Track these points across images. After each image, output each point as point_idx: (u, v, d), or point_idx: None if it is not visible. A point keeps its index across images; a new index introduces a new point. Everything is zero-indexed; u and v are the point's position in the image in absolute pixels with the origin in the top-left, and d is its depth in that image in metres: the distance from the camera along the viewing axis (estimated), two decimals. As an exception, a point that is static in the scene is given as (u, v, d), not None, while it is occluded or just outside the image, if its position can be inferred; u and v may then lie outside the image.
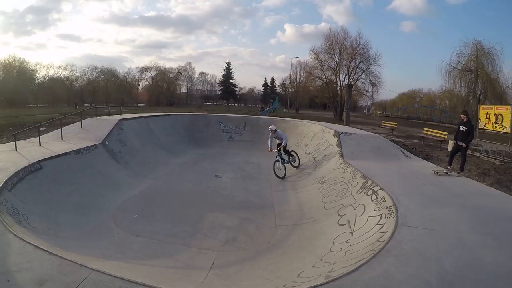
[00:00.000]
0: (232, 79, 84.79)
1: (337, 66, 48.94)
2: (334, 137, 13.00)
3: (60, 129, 12.53)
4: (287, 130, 16.79)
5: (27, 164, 7.82)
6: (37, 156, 8.69)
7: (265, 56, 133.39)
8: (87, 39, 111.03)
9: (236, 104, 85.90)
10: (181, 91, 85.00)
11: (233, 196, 9.52)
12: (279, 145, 11.68)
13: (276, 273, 5.12)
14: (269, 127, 11.87)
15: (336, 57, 48.94)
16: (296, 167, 12.20)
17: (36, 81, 66.04)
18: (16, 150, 9.62)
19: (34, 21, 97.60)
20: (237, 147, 17.25)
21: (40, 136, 11.10)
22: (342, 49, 48.36)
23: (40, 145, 10.64)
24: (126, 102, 69.86)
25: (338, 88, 49.58)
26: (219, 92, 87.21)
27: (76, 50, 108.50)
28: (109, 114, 17.40)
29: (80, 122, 13.84)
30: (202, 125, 19.00)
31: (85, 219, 7.19)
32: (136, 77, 77.99)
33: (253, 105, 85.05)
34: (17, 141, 10.00)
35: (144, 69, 77.45)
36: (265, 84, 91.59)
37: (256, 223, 7.61)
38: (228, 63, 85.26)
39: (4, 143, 12.40)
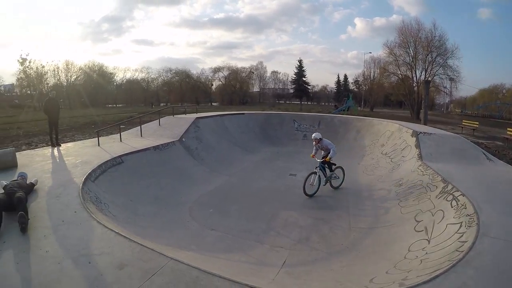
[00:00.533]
0: (304, 77, 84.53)
1: (412, 60, 45.89)
2: (412, 137, 12.31)
3: (139, 126, 13.97)
4: (362, 129, 16.38)
5: (110, 158, 8.90)
6: (118, 151, 9.82)
7: (336, 53, 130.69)
8: (160, 43, 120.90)
9: (308, 103, 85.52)
10: (254, 90, 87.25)
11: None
12: (324, 157, 9.98)
13: (348, 276, 5.06)
14: (313, 135, 10.28)
15: (411, 51, 45.93)
16: (335, 188, 10.31)
17: (115, 83, 75.17)
18: (98, 145, 11.08)
19: (109, 29, 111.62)
20: (311, 146, 17.09)
21: (121, 133, 12.45)
22: (417, 42, 45.24)
23: (120, 141, 12.00)
24: (200, 101, 73.84)
25: (414, 85, 46.61)
26: (291, 91, 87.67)
27: (150, 53, 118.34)
28: (185, 112, 18.74)
29: (158, 120, 15.23)
30: (276, 123, 19.30)
31: (162, 211, 7.85)
32: (209, 77, 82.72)
33: (326, 104, 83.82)
34: (99, 137, 11.41)
35: (216, 69, 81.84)
36: (337, 82, 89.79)
37: (329, 224, 7.60)
38: (300, 61, 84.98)
39: (88, 139, 13.90)
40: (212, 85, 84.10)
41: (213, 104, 77.17)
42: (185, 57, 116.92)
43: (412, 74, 46.85)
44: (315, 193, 9.48)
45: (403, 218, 7.20)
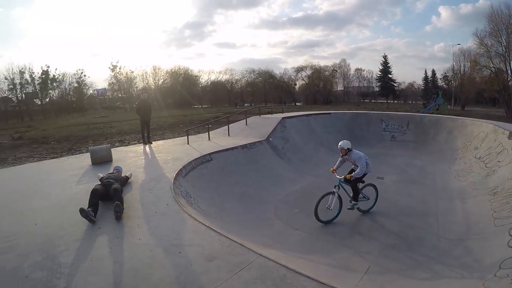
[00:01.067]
0: (390, 74, 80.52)
1: (506, 51, 40.82)
2: (509, 139, 11.07)
3: (226, 126, 14.88)
4: (454, 130, 15.24)
5: (199, 156, 9.75)
6: (207, 149, 10.67)
7: (422, 46, 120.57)
8: (242, 45, 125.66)
9: (395, 101, 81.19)
10: (338, 88, 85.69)
11: (395, 200, 9.31)
12: (351, 171, 8.14)
13: (433, 289, 4.77)
14: (339, 144, 8.32)
15: (503, 40, 40.85)
16: (364, 212, 8.35)
17: (200, 85, 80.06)
18: (188, 143, 12.16)
19: (192, 35, 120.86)
20: (399, 147, 16.44)
21: (209, 132, 13.43)
22: (509, 30, 40.07)
23: (209, 140, 12.98)
24: (284, 101, 74.89)
25: (508, 79, 41.41)
26: (377, 89, 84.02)
27: (233, 55, 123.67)
28: (271, 112, 19.08)
29: (245, 120, 15.97)
30: (363, 123, 18.80)
31: (249, 208, 8.27)
32: (292, 76, 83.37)
33: (414, 102, 78.57)
34: (188, 136, 12.46)
35: (299, 69, 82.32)
36: (425, 78, 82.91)
37: (417, 231, 7.29)
38: (384, 57, 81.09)
39: (177, 137, 15.04)
40: (295, 84, 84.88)
41: (297, 104, 77.76)
42: (267, 58, 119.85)
43: (506, 67, 41.95)
44: (333, 219, 7.73)
45: (496, 231, 6.59)
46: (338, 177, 7.86)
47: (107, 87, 72.53)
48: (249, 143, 11.72)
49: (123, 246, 4.76)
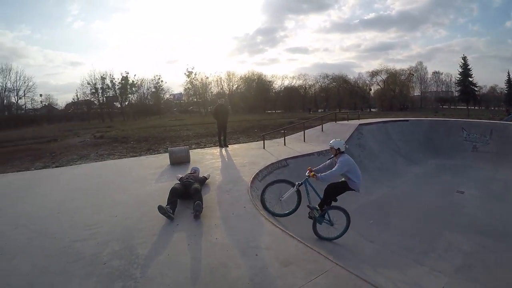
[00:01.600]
0: (471, 77, 73.56)
1: None
2: None
3: (301, 132, 14.96)
4: None
5: (275, 161, 9.84)
6: (283, 155, 10.74)
7: (504, 45, 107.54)
8: (314, 50, 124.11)
9: (475, 107, 74.59)
10: (414, 93, 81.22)
11: (475, 217, 8.83)
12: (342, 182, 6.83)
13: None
14: (330, 142, 7.31)
15: None
16: (325, 239, 6.51)
17: (273, 90, 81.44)
18: (264, 148, 12.30)
19: (264, 41, 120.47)
20: (481, 159, 15.13)
21: (285, 137, 13.54)
22: None
23: (284, 145, 13.05)
24: (359, 107, 73.06)
25: None
26: (456, 94, 77.37)
27: (305, 60, 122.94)
28: (347, 118, 18.58)
29: (321, 126, 15.83)
30: (442, 131, 17.57)
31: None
32: (367, 81, 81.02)
33: (496, 108, 71.53)
34: (264, 141, 12.66)
35: (374, 73, 79.79)
36: (508, 81, 74.81)
37: (497, 254, 6.86)
38: (464, 58, 74.14)
39: (252, 142, 15.30)
40: (370, 89, 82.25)
41: (372, 110, 75.34)
42: (340, 62, 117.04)
43: None
44: (280, 215, 6.55)
45: None
46: (307, 174, 6.59)
47: (183, 92, 76.98)
48: (325, 150, 11.47)
49: (201, 244, 4.91)
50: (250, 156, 10.91)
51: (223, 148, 12.80)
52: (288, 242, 4.95)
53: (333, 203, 6.72)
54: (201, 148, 14.95)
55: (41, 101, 70.96)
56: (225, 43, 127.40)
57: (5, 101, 66.03)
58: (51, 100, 73.67)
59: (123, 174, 9.71)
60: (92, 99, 67.16)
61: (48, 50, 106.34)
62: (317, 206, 6.62)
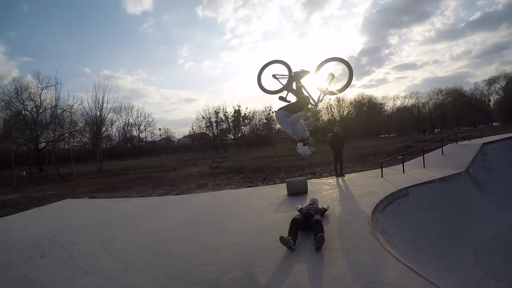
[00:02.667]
0: None
1: None
2: None
3: (419, 156, 13.93)
4: None
5: (395, 190, 9.23)
6: (403, 183, 10.04)
7: None
8: (422, 64, 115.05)
9: None
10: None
11: None
12: None
13: None
14: None
15: None
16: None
17: (385, 113, 77.41)
18: (382, 176, 11.72)
19: (369, 62, 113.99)
20: None
21: (403, 164, 12.74)
22: None
23: (403, 172, 12.26)
24: (478, 122, 65.38)
25: None
26: None
27: (415, 76, 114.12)
28: (469, 137, 16.83)
29: (440, 149, 14.49)
30: None
31: (445, 250, 7.40)
32: (485, 91, 70.99)
33: None
34: (382, 168, 12.07)
35: (491, 81, 68.86)
36: None
37: None
38: None
39: (368, 170, 14.74)
40: (489, 101, 72.41)
41: (493, 124, 66.51)
42: (452, 74, 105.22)
43: None
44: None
45: None
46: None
47: (293, 121, 78.01)
48: (447, 176, 10.55)
49: (322, 277, 4.78)
50: (368, 185, 10.49)
51: (340, 178, 12.60)
52: (412, 278, 4.55)
53: None
54: (317, 178, 14.86)
55: (160, 134, 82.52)
56: (331, 69, 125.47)
57: (127, 134, 77.81)
58: (169, 133, 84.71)
59: (241, 203, 10.21)
60: (207, 132, 74.29)
61: (164, 90, 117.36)
62: None
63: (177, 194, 14.80)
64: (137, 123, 76.89)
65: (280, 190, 11.30)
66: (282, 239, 5.84)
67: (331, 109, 73.62)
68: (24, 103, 42.72)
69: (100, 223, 9.79)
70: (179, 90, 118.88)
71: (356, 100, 75.24)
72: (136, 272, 5.76)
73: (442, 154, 14.09)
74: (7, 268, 6.68)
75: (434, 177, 10.48)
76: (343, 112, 73.95)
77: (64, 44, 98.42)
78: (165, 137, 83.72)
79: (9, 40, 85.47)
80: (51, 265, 6.64)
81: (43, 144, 44.07)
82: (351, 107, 74.81)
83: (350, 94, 73.62)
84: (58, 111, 43.15)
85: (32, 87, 43.93)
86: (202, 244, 6.74)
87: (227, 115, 72.27)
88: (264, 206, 9.36)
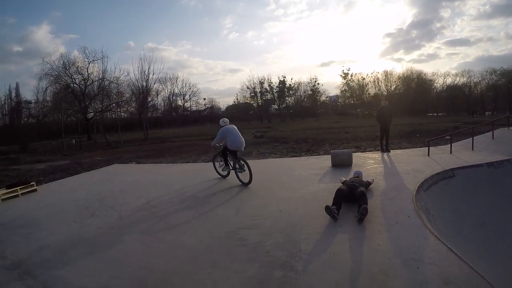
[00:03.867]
0: None
1: None
2: None
3: (468, 138, 13.56)
4: None
5: (441, 170, 9.11)
6: (449, 164, 9.86)
7: None
8: (476, 40, 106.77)
9: None
10: None
11: None
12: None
13: None
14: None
15: None
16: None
17: (434, 90, 74.12)
18: (428, 155, 11.52)
19: (419, 35, 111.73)
20: None
21: (451, 144, 12.46)
22: None
23: (450, 153, 11.93)
24: None
25: None
26: None
27: (467, 53, 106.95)
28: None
29: (491, 132, 13.95)
30: None
31: (487, 239, 7.20)
32: None
33: None
34: (429, 147, 11.91)
35: None
36: None
37: None
38: None
39: (414, 147, 14.50)
40: None
41: None
42: (508, 53, 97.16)
43: None
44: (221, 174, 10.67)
45: None
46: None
47: (339, 94, 76.27)
48: (496, 161, 10.13)
49: (363, 249, 4.91)
50: (413, 163, 10.37)
51: (385, 153, 12.53)
52: (452, 260, 4.60)
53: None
54: (361, 152, 14.82)
55: (204, 104, 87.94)
56: (379, 41, 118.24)
57: (173, 104, 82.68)
58: (213, 103, 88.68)
59: (285, 172, 10.48)
60: (251, 102, 74.55)
61: (208, 60, 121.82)
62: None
63: (221, 161, 15.05)
64: (182, 93, 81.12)
65: (324, 161, 11.48)
66: (327, 208, 6.00)
67: (378, 82, 71.95)
68: (72, 77, 46.01)
69: (146, 186, 10.40)
70: (223, 60, 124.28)
71: (405, 75, 72.91)
72: (181, 231, 6.19)
73: (493, 138, 13.48)
74: (59, 226, 7.30)
75: (482, 161, 10.13)
76: (390, 87, 71.97)
77: (107, 20, 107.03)
78: (209, 106, 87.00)
79: (54, 20, 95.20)
80: (100, 223, 7.22)
81: (91, 114, 47.32)
82: (399, 81, 72.56)
83: (399, 68, 70.80)
84: (105, 83, 46.35)
85: (79, 61, 47.06)
86: (245, 210, 7.09)
87: (271, 85, 72.61)
88: (308, 176, 9.56)
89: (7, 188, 10.95)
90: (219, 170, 10.59)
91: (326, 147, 17.90)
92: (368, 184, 7.53)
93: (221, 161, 10.30)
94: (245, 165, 9.35)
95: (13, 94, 55.16)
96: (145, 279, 4.57)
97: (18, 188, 10.92)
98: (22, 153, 32.14)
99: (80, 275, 4.94)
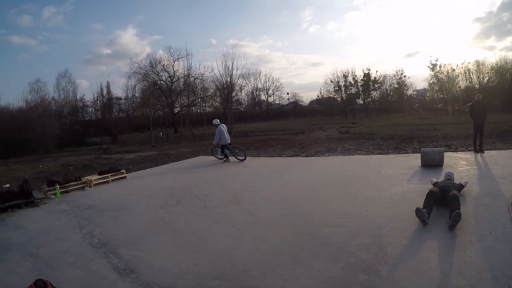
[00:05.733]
0: None
1: None
2: None
3: None
4: None
5: None
6: None
7: None
8: None
9: None
10: None
11: None
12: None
13: None
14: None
15: None
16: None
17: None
18: None
19: (511, 18, 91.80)
20: None
21: None
22: None
23: None
24: None
25: None
26: None
27: None
28: None
29: None
30: None
31: None
32: None
33: None
34: None
35: None
36: None
37: None
38: None
39: (510, 149, 13.19)
40: None
41: None
42: None
43: None
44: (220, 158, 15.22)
45: None
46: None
47: (427, 88, 70.96)
48: None
49: (452, 259, 4.64)
50: (510, 166, 9.45)
51: (478, 154, 11.63)
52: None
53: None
54: (452, 151, 13.82)
55: (287, 98, 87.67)
56: (468, 27, 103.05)
57: (256, 99, 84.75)
58: (296, 97, 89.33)
59: (372, 170, 10.24)
60: (335, 96, 73.06)
61: (289, 54, 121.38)
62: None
63: (306, 156, 15.28)
64: (265, 88, 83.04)
65: (413, 160, 11.04)
66: (418, 211, 5.74)
67: (469, 74, 63.62)
68: (159, 74, 49.37)
69: (232, 178, 10.87)
70: (304, 54, 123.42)
71: (498, 65, 62.54)
72: (265, 226, 6.33)
73: None
74: (146, 212, 7.94)
75: None
76: (482, 79, 62.42)
77: (188, 20, 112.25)
78: (293, 101, 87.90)
79: (139, 23, 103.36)
80: (184, 211, 7.69)
81: (178, 108, 50.58)
82: (492, 72, 62.68)
83: (491, 57, 62.63)
84: (190, 79, 48.53)
85: (165, 60, 50.05)
86: (331, 207, 7.03)
87: (356, 78, 69.03)
88: (396, 175, 9.25)
89: (99, 175, 12.23)
90: (218, 156, 15.34)
91: (414, 144, 16.92)
92: (461, 187, 7.07)
93: (220, 152, 15.11)
94: (238, 149, 14.95)
95: (105, 92, 60.66)
96: (225, 269, 4.78)
97: (109, 175, 12.19)
98: (113, 144, 35.85)
99: (162, 259, 5.32)
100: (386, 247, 5.01)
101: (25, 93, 55.37)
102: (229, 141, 14.84)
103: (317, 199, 7.71)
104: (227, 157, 14.77)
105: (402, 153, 14.02)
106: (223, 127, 14.77)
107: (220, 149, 14.98)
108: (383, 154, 14.21)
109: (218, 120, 15.31)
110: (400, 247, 4.99)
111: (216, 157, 15.37)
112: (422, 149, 10.67)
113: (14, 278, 5.20)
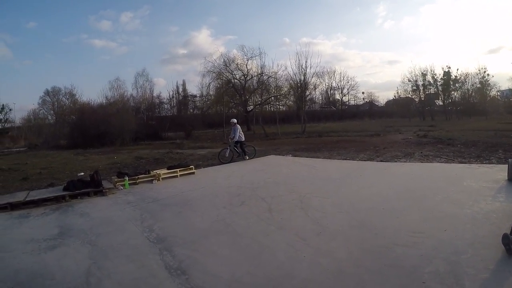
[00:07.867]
0: None
1: None
2: None
3: None
4: None
5: None
6: None
7: None
8: None
9: None
10: None
11: None
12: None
13: None
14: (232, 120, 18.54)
15: None
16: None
17: None
18: None
19: None
20: None
21: None
22: None
23: None
24: None
25: None
26: None
27: None
28: None
29: None
30: None
31: None
32: None
33: None
34: None
35: None
36: None
37: None
38: None
39: None
40: None
41: None
42: None
43: None
44: (228, 162, 16.10)
45: None
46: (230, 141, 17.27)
47: (512, 88, 63.91)
48: None
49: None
50: None
51: None
52: None
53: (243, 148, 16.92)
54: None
55: (363, 98, 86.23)
56: None
57: (330, 98, 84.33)
58: (372, 97, 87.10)
59: (452, 181, 9.32)
60: (413, 97, 69.22)
61: (364, 52, 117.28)
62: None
63: (381, 161, 14.52)
64: (340, 87, 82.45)
65: (498, 172, 9.88)
66: (505, 237, 4.88)
67: None
68: (233, 73, 50.80)
69: (301, 180, 10.58)
70: (380, 51, 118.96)
71: None
72: (330, 238, 5.91)
73: None
74: (208, 210, 7.92)
75: None
76: None
77: (261, 20, 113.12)
78: (368, 101, 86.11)
79: (212, 24, 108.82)
80: (248, 213, 7.52)
81: (251, 107, 51.52)
82: None
83: None
84: (264, 77, 49.98)
85: (238, 59, 51.35)
86: (404, 222, 6.40)
87: (435, 77, 64.45)
88: (479, 190, 8.25)
89: (168, 169, 12.59)
90: (222, 160, 16.27)
91: (499, 153, 15.30)
92: None
93: (229, 152, 16.52)
94: (251, 147, 18.01)
95: (181, 89, 64.24)
96: (281, 283, 4.47)
97: (177, 169, 12.52)
98: (187, 139, 37.65)
99: (217, 263, 5.15)
100: (463, 279, 4.28)
101: (105, 90, 60.07)
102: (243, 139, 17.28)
103: (389, 211, 7.07)
104: (245, 153, 16.69)
105: (485, 163, 12.67)
106: (239, 126, 17.24)
107: (236, 146, 16.78)
108: (465, 163, 12.94)
109: (235, 120, 17.85)
110: (480, 281, 4.23)
111: (222, 162, 16.17)
112: (509, 159, 9.33)
113: (69, 264, 5.38)
